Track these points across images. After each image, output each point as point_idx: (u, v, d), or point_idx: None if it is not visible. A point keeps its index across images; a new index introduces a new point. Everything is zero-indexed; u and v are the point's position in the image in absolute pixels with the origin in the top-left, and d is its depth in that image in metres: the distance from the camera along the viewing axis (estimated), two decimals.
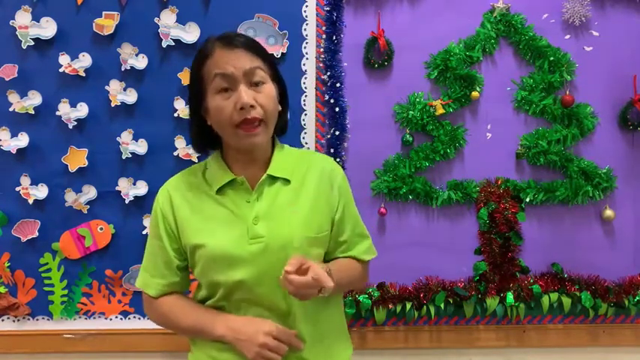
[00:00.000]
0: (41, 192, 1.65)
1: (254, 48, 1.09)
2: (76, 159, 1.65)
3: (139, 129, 1.66)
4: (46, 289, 1.69)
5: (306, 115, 1.69)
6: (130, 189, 1.67)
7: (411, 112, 1.69)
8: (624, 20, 1.74)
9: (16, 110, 1.63)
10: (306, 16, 1.69)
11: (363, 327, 1.72)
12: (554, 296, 1.72)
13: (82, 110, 1.65)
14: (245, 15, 1.66)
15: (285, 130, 1.23)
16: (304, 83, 1.69)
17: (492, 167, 1.73)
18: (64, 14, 1.64)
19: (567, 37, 1.73)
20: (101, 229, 1.67)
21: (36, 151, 1.66)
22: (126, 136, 1.66)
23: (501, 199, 1.70)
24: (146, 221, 1.67)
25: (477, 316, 1.73)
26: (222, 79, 1.06)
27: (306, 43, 1.70)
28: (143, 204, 1.67)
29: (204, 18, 1.66)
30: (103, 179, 1.67)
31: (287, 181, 1.16)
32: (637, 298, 1.72)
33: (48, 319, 1.70)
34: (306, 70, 1.69)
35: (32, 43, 1.62)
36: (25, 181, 1.65)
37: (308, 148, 1.70)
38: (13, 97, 1.63)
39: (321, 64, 1.69)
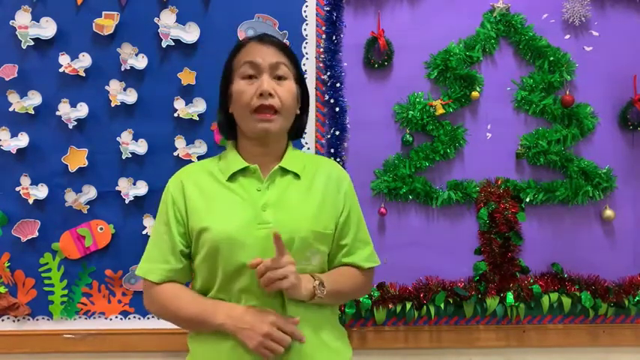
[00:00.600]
0: (41, 192, 1.65)
1: (284, 48, 1.20)
2: (76, 159, 1.65)
3: (139, 129, 1.66)
4: (46, 289, 1.68)
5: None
6: (130, 189, 1.67)
7: (411, 112, 1.69)
8: (624, 20, 1.74)
9: (16, 110, 1.63)
10: (306, 16, 1.69)
11: (363, 327, 1.72)
12: (554, 296, 1.72)
13: (82, 110, 1.65)
14: (245, 15, 1.67)
15: (301, 134, 1.29)
16: None
17: (492, 167, 1.73)
18: (64, 14, 1.64)
19: (567, 37, 1.73)
20: (101, 229, 1.67)
21: (36, 151, 1.66)
22: (126, 136, 1.66)
23: (501, 199, 1.70)
24: (146, 221, 1.67)
25: (477, 316, 1.73)
26: (250, 66, 1.15)
27: (306, 43, 1.70)
28: (143, 204, 1.67)
29: (204, 18, 1.66)
30: (103, 179, 1.67)
31: (297, 177, 1.20)
32: (637, 298, 1.72)
33: (48, 319, 1.69)
34: (306, 70, 1.69)
35: (32, 43, 1.62)
36: (25, 181, 1.65)
37: (308, 148, 1.70)
38: (13, 97, 1.63)
39: (321, 64, 1.69)
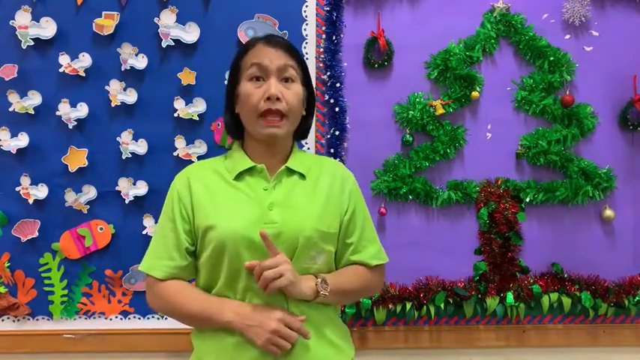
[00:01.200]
0: (41, 192, 1.65)
1: (292, 51, 1.19)
2: (76, 159, 1.65)
3: (139, 129, 1.66)
4: (46, 289, 1.68)
5: None
6: (130, 189, 1.66)
7: (411, 112, 1.69)
8: (624, 20, 1.74)
9: (16, 110, 1.63)
10: (306, 16, 1.69)
11: (363, 327, 1.72)
12: (554, 296, 1.72)
13: (82, 110, 1.65)
14: (245, 15, 1.67)
15: (306, 135, 1.29)
16: None
17: (492, 167, 1.73)
18: (64, 14, 1.64)
19: (567, 37, 1.73)
20: (101, 229, 1.67)
21: (36, 151, 1.66)
22: (126, 136, 1.66)
23: (501, 199, 1.70)
24: (146, 221, 1.67)
25: (477, 316, 1.73)
26: (257, 68, 1.15)
27: (306, 43, 1.70)
28: (143, 204, 1.67)
29: (204, 18, 1.66)
30: (103, 179, 1.67)
31: (303, 177, 1.20)
32: (637, 298, 1.72)
33: (48, 319, 1.69)
34: None
35: (32, 43, 1.62)
36: (25, 181, 1.65)
37: (308, 148, 1.70)
38: (13, 97, 1.63)
39: (321, 64, 1.69)
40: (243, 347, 1.10)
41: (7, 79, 1.63)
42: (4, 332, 1.68)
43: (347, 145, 1.70)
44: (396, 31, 1.70)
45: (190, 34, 1.65)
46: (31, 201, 1.64)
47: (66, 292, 1.69)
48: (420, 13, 1.71)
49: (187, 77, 1.65)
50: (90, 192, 1.67)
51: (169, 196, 1.21)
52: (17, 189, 1.64)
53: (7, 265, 1.66)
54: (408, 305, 1.69)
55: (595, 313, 1.74)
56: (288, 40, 1.22)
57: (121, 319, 1.70)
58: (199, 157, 1.66)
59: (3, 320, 1.69)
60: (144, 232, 1.67)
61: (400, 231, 1.72)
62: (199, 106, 1.66)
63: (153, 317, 1.70)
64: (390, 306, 1.68)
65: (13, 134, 1.64)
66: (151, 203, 1.66)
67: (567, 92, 1.72)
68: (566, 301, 1.72)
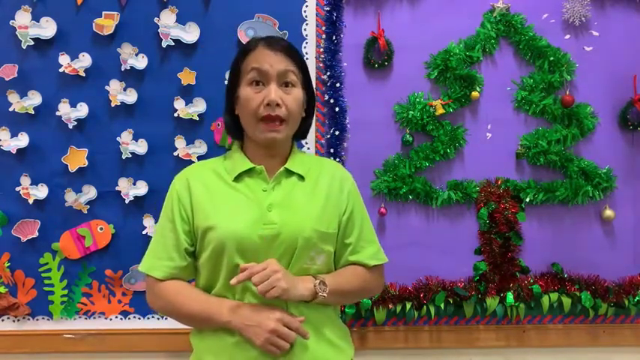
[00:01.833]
0: (41, 192, 1.65)
1: (292, 54, 1.19)
2: (76, 159, 1.65)
3: (139, 129, 1.66)
4: (46, 289, 1.68)
5: None
6: (130, 189, 1.66)
7: (411, 112, 1.69)
8: (624, 20, 1.74)
9: (16, 110, 1.63)
10: (306, 16, 1.69)
11: (363, 327, 1.72)
12: (554, 296, 1.72)
13: (82, 110, 1.64)
14: (245, 15, 1.66)
15: (306, 135, 1.30)
16: None
17: (492, 167, 1.73)
18: (64, 14, 1.64)
19: (567, 37, 1.73)
20: (101, 229, 1.67)
21: (36, 151, 1.66)
22: (126, 136, 1.66)
23: (501, 199, 1.70)
24: (146, 221, 1.67)
25: (477, 316, 1.73)
26: (258, 73, 1.15)
27: (306, 43, 1.70)
28: (143, 204, 1.67)
29: (204, 18, 1.66)
30: (103, 179, 1.67)
31: (302, 178, 1.21)
32: (637, 298, 1.72)
33: (48, 319, 1.69)
34: None
35: (32, 43, 1.62)
36: (25, 181, 1.65)
37: (308, 148, 1.70)
38: (13, 97, 1.63)
39: (321, 64, 1.69)
40: (242, 347, 1.10)
41: (7, 79, 1.63)
42: (4, 332, 1.68)
43: (347, 145, 1.70)
44: (396, 31, 1.70)
45: (190, 34, 1.65)
46: (31, 201, 1.64)
47: (66, 292, 1.69)
48: (420, 13, 1.71)
49: (187, 77, 1.65)
50: (90, 192, 1.67)
51: (169, 196, 1.21)
52: (17, 189, 1.64)
53: (7, 265, 1.66)
54: (408, 305, 1.69)
55: (595, 313, 1.74)
56: (289, 42, 1.22)
57: (121, 319, 1.70)
58: (199, 157, 1.66)
59: (3, 320, 1.69)
60: (144, 232, 1.67)
61: (400, 231, 1.72)
62: (199, 106, 1.66)
63: (153, 317, 1.70)
64: (390, 306, 1.68)
65: (13, 134, 1.64)
66: (151, 203, 1.66)
67: (567, 92, 1.72)
68: (566, 301, 1.72)
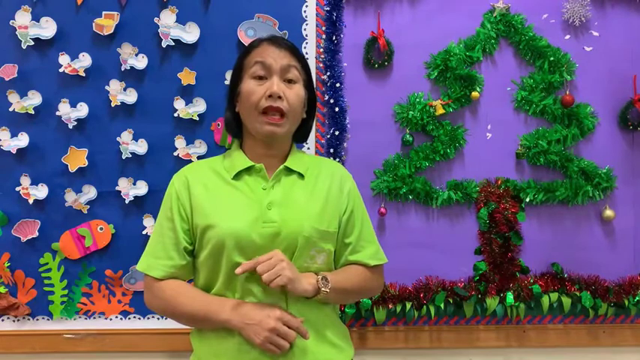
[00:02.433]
0: (41, 192, 1.65)
1: (296, 52, 1.21)
2: (76, 159, 1.65)
3: (139, 129, 1.66)
4: (46, 289, 1.68)
5: None
6: (130, 189, 1.66)
7: (411, 112, 1.69)
8: (624, 20, 1.74)
9: (16, 110, 1.63)
10: (306, 16, 1.69)
11: (363, 327, 1.72)
12: (554, 296, 1.72)
13: (82, 110, 1.65)
14: (245, 15, 1.67)
15: (306, 138, 1.30)
16: None
17: (492, 167, 1.73)
18: (64, 14, 1.64)
19: (567, 37, 1.73)
20: (101, 229, 1.67)
21: (36, 151, 1.66)
22: (126, 136, 1.66)
23: (501, 199, 1.70)
24: (146, 221, 1.67)
25: (477, 316, 1.73)
26: (261, 67, 1.16)
27: (306, 43, 1.70)
28: (143, 204, 1.67)
29: (204, 18, 1.66)
30: (103, 179, 1.67)
31: (301, 177, 1.21)
32: (637, 298, 1.72)
33: (48, 319, 1.69)
34: None
35: (32, 43, 1.62)
36: (25, 181, 1.65)
37: (308, 148, 1.70)
38: (13, 97, 1.63)
39: (320, 64, 1.69)
40: (242, 347, 1.10)
41: (7, 79, 1.63)
42: (4, 332, 1.68)
43: (347, 145, 1.70)
44: (396, 31, 1.70)
45: (190, 34, 1.65)
46: (31, 201, 1.64)
47: (66, 292, 1.69)
48: (420, 13, 1.71)
49: (187, 77, 1.65)
50: (90, 192, 1.67)
51: (167, 195, 1.21)
52: (17, 189, 1.64)
53: (7, 265, 1.66)
54: (408, 305, 1.69)
55: (595, 313, 1.74)
56: (293, 43, 1.22)
57: (121, 319, 1.70)
58: (199, 157, 1.66)
59: (3, 320, 1.69)
60: (144, 232, 1.67)
61: (400, 231, 1.72)
62: (199, 106, 1.66)
63: (153, 317, 1.70)
64: (390, 306, 1.68)
65: (13, 134, 1.64)
66: (151, 203, 1.66)
67: (567, 92, 1.72)
68: (566, 301, 1.72)
